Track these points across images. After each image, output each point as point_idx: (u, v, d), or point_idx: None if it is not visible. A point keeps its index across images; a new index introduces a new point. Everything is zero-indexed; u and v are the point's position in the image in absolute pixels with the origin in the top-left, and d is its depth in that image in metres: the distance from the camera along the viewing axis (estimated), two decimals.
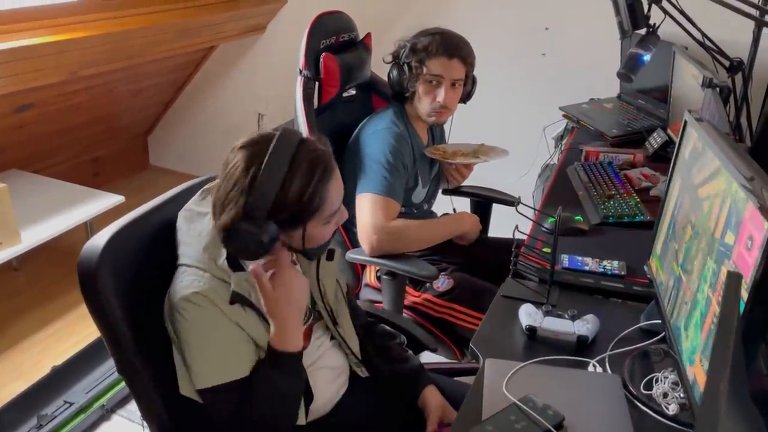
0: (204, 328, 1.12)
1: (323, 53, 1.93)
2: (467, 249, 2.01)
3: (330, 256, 1.32)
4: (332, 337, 1.36)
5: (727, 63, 2.08)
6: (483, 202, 2.24)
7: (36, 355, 2.47)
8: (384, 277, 1.78)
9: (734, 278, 0.74)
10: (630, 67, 2.02)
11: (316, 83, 1.94)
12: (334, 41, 2.01)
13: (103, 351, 2.36)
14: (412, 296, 1.86)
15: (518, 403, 1.11)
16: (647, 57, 2.01)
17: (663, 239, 1.35)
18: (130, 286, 1.16)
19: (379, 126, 1.88)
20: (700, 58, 2.09)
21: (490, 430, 1.06)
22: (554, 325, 1.32)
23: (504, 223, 2.48)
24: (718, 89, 1.63)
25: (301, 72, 1.93)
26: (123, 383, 2.21)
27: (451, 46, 1.84)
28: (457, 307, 1.82)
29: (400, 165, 1.82)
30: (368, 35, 2.13)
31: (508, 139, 2.48)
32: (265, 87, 3.74)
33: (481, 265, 2.00)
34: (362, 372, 1.39)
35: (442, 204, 2.20)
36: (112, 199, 2.85)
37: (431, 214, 2.09)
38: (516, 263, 1.55)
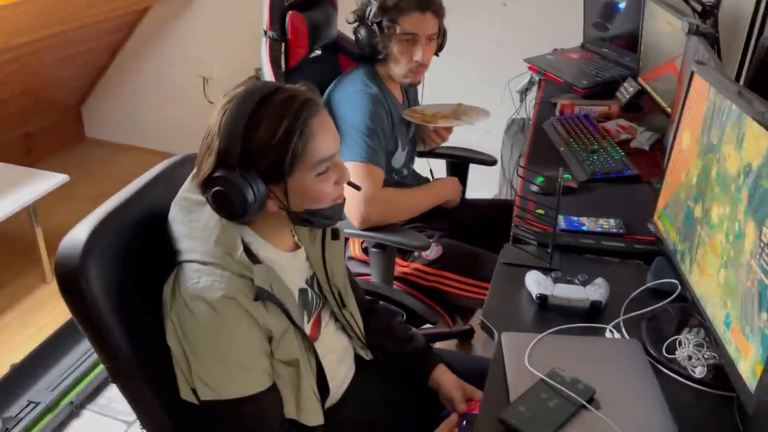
0: (227, 334, 1.02)
1: (289, 12, 1.78)
2: (450, 214, 1.95)
3: (335, 235, 1.23)
4: (336, 319, 1.28)
5: (699, 8, 2.05)
6: (460, 163, 2.17)
7: None
8: (373, 249, 1.70)
9: None
10: (606, 15, 1.97)
11: (283, 44, 1.80)
12: None
13: (65, 343, 2.24)
14: (400, 266, 1.79)
15: (547, 379, 1.07)
16: (623, 5, 1.96)
17: (672, 197, 1.31)
18: (119, 286, 1.04)
19: (352, 89, 1.78)
20: (671, 2, 2.05)
21: (523, 411, 1.02)
22: (566, 292, 1.28)
23: (479, 184, 2.45)
24: (704, 36, 1.59)
25: (265, 33, 1.79)
26: (90, 376, 2.10)
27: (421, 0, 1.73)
28: (447, 274, 1.77)
29: (379, 129, 1.73)
30: None
31: (470, 95, 2.40)
32: (207, 49, 3.53)
33: (465, 229, 1.95)
34: (367, 355, 1.32)
35: (417, 166, 2.13)
36: (55, 179, 2.63)
37: (412, 178, 2.01)
38: (515, 227, 1.49)
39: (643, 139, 1.98)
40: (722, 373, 1.07)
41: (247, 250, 1.06)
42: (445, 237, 1.87)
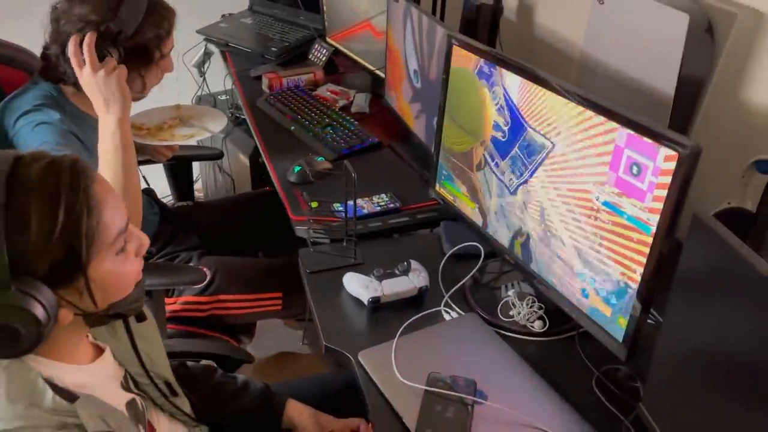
0: None
1: None
2: (195, 226, 1.72)
3: (141, 317, 0.97)
4: (162, 410, 1.03)
5: None
6: (182, 164, 1.91)
7: None
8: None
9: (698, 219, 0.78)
10: None
11: None
12: None
13: None
14: (167, 305, 1.53)
15: (430, 389, 1.04)
16: None
17: (455, 166, 1.34)
18: None
19: (29, 119, 1.34)
20: None
21: None
22: (394, 287, 1.25)
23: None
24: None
25: None
26: None
27: (170, 11, 1.45)
28: (222, 297, 1.58)
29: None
30: None
31: None
32: None
33: (216, 236, 1.75)
34: (201, 431, 1.11)
35: None
36: None
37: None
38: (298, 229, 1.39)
39: (360, 101, 2.00)
40: (553, 319, 1.19)
41: (55, 388, 0.77)
42: (204, 254, 1.64)
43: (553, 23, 1.61)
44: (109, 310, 0.82)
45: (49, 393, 0.75)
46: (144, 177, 1.84)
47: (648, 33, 1.15)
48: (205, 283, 1.54)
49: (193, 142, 1.66)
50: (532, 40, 1.70)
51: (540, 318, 1.20)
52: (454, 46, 1.26)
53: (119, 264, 0.82)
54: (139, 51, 1.35)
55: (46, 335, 0.75)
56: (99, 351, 0.92)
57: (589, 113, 0.97)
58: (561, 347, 1.17)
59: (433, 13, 1.99)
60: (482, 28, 1.57)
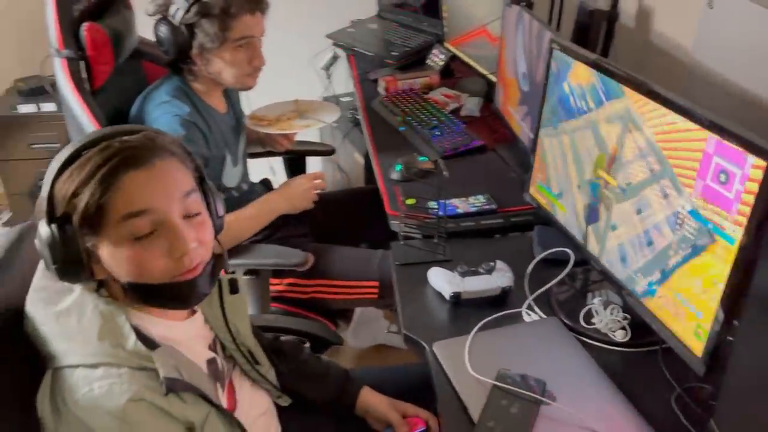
0: None
1: (84, 24, 1.49)
2: (307, 215, 1.83)
3: (234, 289, 1.07)
4: (248, 377, 1.13)
5: None
6: (298, 158, 2.05)
7: None
8: (244, 277, 1.54)
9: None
10: None
11: (83, 63, 1.51)
12: (87, 5, 1.56)
13: None
14: (273, 285, 1.65)
15: (499, 384, 1.06)
16: None
17: (549, 167, 1.34)
18: None
19: (161, 111, 1.54)
20: None
21: (492, 426, 1.00)
22: (477, 285, 1.27)
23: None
24: (524, 3, 1.65)
25: (58, 52, 1.48)
26: None
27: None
28: (324, 281, 1.68)
29: (195, 156, 1.51)
30: None
31: (275, 80, 2.27)
32: None
33: (326, 227, 1.86)
34: (284, 401, 1.19)
35: (257, 168, 1.97)
36: None
37: (253, 192, 1.84)
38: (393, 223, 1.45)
39: (471, 105, 2.03)
40: (637, 331, 1.16)
41: (140, 335, 0.88)
42: (311, 242, 1.76)
43: (668, 28, 1.56)
44: (132, 288, 0.88)
45: (132, 337, 0.86)
46: (272, 168, 2.00)
47: (757, 40, 1.09)
48: (308, 267, 1.65)
49: (308, 130, 1.77)
50: (648, 46, 1.65)
51: (623, 328, 1.17)
52: (554, 51, 1.27)
53: (135, 250, 0.86)
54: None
55: (83, 270, 0.86)
56: (193, 312, 1.03)
57: (676, 117, 0.95)
58: (642, 360, 1.14)
59: (549, 19, 1.98)
60: (595, 34, 1.55)
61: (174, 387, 0.86)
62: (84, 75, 1.50)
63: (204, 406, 0.91)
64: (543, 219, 1.42)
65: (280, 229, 1.74)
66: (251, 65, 1.58)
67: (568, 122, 1.25)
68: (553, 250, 1.35)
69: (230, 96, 1.77)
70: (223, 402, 1.01)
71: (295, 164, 2.05)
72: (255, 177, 1.93)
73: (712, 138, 0.89)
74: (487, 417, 1.01)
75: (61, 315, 0.87)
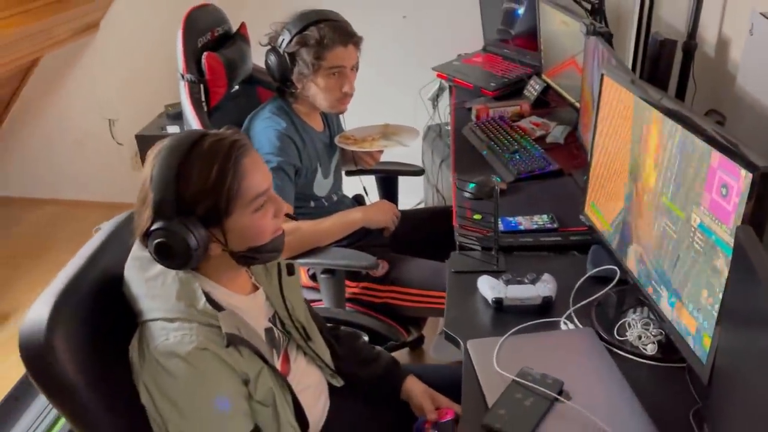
0: (208, 384, 1.02)
1: (204, 53, 1.78)
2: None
3: (291, 271, 1.25)
4: (304, 353, 1.30)
5: (588, 6, 2.20)
6: (389, 177, 2.23)
7: None
8: (322, 276, 1.72)
9: (742, 231, 0.79)
10: (507, 22, 2.07)
11: (201, 86, 1.79)
12: (210, 38, 1.86)
13: (6, 418, 2.13)
14: (350, 288, 1.82)
15: (517, 379, 1.14)
16: (521, 10, 2.07)
17: (601, 187, 1.40)
18: (87, 358, 1.02)
19: (262, 125, 1.79)
20: (562, 3, 2.19)
21: (503, 413, 1.08)
22: (519, 293, 1.35)
23: (405, 192, 2.51)
24: (602, 36, 1.71)
25: (183, 77, 1.77)
26: None
27: (342, 32, 1.76)
28: (396, 288, 1.82)
29: (286, 165, 1.74)
30: (243, 25, 2.00)
31: (384, 108, 2.47)
32: (110, 90, 3.43)
33: (404, 240, 2.00)
34: (338, 382, 1.34)
35: (352, 185, 2.17)
36: None
37: (343, 203, 2.04)
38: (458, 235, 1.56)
39: (557, 133, 2.10)
40: (669, 347, 1.18)
41: (209, 299, 1.07)
42: (389, 252, 1.91)
43: (740, 57, 1.56)
44: (248, 252, 1.10)
45: (203, 300, 1.05)
46: (364, 187, 2.19)
47: None
48: (382, 273, 1.80)
49: (384, 149, 1.95)
50: (725, 75, 1.65)
51: (653, 343, 1.21)
52: (604, 78, 1.34)
53: (255, 219, 1.09)
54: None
55: (195, 259, 1.05)
56: (255, 289, 1.22)
57: (687, 133, 1.00)
58: (669, 374, 1.17)
59: (635, 50, 2.02)
60: (666, 64, 1.59)
61: (233, 341, 1.04)
62: (202, 97, 1.78)
63: (258, 362, 1.09)
64: (599, 240, 1.47)
65: (361, 239, 1.91)
66: (341, 92, 1.78)
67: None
68: (602, 267, 1.40)
69: (328, 118, 1.99)
70: (277, 365, 1.18)
71: (386, 182, 2.22)
72: (350, 192, 2.13)
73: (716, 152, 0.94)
74: (500, 405, 1.09)
75: (150, 279, 1.09)
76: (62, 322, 0.99)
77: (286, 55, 1.75)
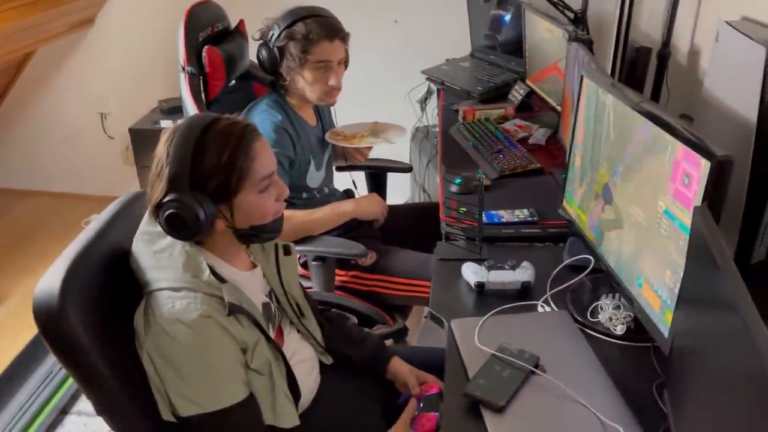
0: (209, 350, 1.09)
1: (204, 46, 1.85)
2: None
3: (287, 251, 1.33)
4: (297, 330, 1.37)
5: (571, 15, 2.31)
6: (378, 174, 2.31)
7: None
8: (313, 263, 1.80)
9: (699, 210, 0.88)
10: (494, 28, 2.17)
11: (201, 78, 1.87)
12: (211, 32, 1.94)
13: (1, 397, 2.17)
14: (339, 276, 1.90)
15: (496, 353, 1.22)
16: (508, 17, 2.17)
17: (579, 183, 1.50)
18: (95, 322, 1.09)
19: (257, 118, 1.86)
20: (547, 11, 2.30)
21: (482, 383, 1.16)
22: (499, 277, 1.44)
23: (393, 190, 2.60)
24: (583, 42, 1.82)
25: (183, 69, 1.85)
26: (34, 427, 2.07)
27: (329, 28, 1.84)
28: (384, 277, 1.90)
29: (281, 156, 1.81)
30: (241, 22, 2.08)
31: (375, 108, 2.56)
32: (103, 84, 3.49)
33: (392, 233, 2.09)
34: (327, 359, 1.42)
35: (341, 180, 2.25)
36: None
37: (334, 195, 2.12)
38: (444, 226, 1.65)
39: (539, 135, 2.20)
40: (638, 328, 1.28)
41: (213, 272, 1.15)
42: (379, 243, 1.99)
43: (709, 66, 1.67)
44: (250, 230, 1.19)
45: (207, 272, 1.13)
46: (353, 181, 2.27)
47: (736, 67, 1.21)
48: (370, 262, 1.88)
49: (371, 146, 2.03)
50: (696, 83, 1.76)
51: (623, 324, 1.30)
52: (583, 79, 1.44)
53: (260, 200, 1.18)
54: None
55: (203, 231, 1.12)
56: (254, 266, 1.30)
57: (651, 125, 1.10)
58: (636, 353, 1.26)
59: (615, 56, 2.13)
60: (641, 70, 1.69)
61: (234, 310, 1.12)
62: (201, 89, 1.86)
63: (256, 333, 1.17)
64: (576, 232, 1.57)
65: (352, 230, 1.99)
66: (328, 85, 1.86)
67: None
68: (578, 257, 1.50)
69: (321, 112, 2.08)
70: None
71: (375, 178, 2.31)
72: (340, 187, 2.21)
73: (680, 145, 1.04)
74: (480, 376, 1.18)
75: (157, 252, 1.16)
76: (73, 287, 1.06)
77: (275, 48, 1.83)
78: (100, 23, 3.36)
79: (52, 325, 1.03)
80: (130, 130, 3.23)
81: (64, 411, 2.18)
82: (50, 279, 1.06)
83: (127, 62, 3.41)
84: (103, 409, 1.10)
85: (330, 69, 1.86)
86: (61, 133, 3.63)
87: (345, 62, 1.93)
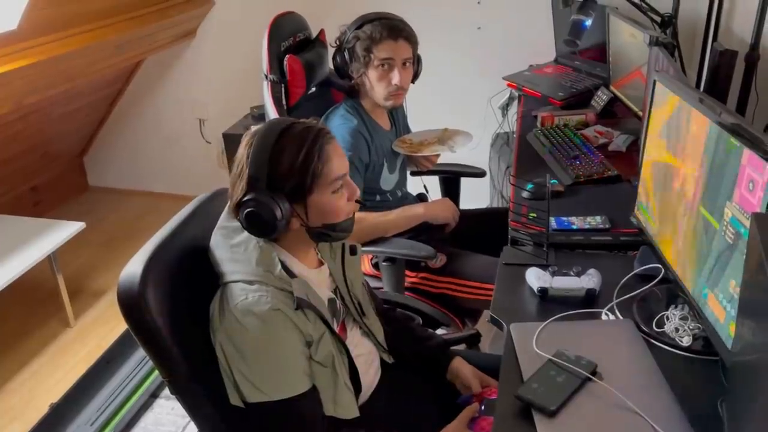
0: (276, 341, 1.16)
1: (286, 56, 1.95)
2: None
3: (353, 251, 1.39)
4: (359, 327, 1.42)
5: (658, 18, 2.24)
6: (452, 178, 2.33)
7: (26, 395, 2.41)
8: (383, 263, 1.85)
9: (757, 217, 0.86)
10: (574, 33, 2.15)
11: (282, 86, 1.97)
12: (293, 42, 2.04)
13: (97, 381, 2.37)
14: (409, 277, 1.94)
15: (553, 358, 1.22)
16: (589, 22, 2.14)
17: (648, 191, 1.47)
18: (172, 308, 1.18)
19: (334, 123, 1.94)
20: (632, 15, 2.24)
21: (536, 387, 1.16)
22: (563, 283, 1.43)
23: (472, 196, 2.61)
24: (664, 46, 1.77)
25: (266, 76, 1.95)
26: (126, 407, 2.24)
27: (393, 28, 1.89)
28: (454, 280, 1.92)
29: (356, 159, 1.88)
30: (322, 32, 2.17)
31: (457, 115, 2.58)
32: (202, 91, 3.70)
33: (464, 237, 2.10)
34: (389, 358, 1.46)
35: (414, 185, 2.29)
36: (72, 227, 2.77)
37: (406, 199, 2.16)
38: (512, 231, 1.65)
39: (619, 141, 2.15)
40: (706, 341, 1.23)
41: (284, 267, 1.22)
42: (445, 246, 2.02)
43: None
44: (323, 228, 1.25)
45: (279, 267, 1.20)
46: (425, 186, 2.31)
47: None
48: (440, 264, 1.91)
49: (430, 153, 2.06)
50: None
51: (690, 335, 1.26)
52: (656, 83, 1.41)
53: (333, 200, 1.24)
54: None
55: (279, 229, 1.19)
56: (321, 264, 1.36)
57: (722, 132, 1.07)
58: (703, 365, 1.22)
59: (701, 61, 2.04)
60: (725, 75, 1.63)
61: (302, 304, 1.19)
62: (282, 96, 1.95)
63: (321, 327, 1.23)
64: (648, 240, 1.53)
65: (422, 234, 2.03)
66: (392, 84, 1.91)
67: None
68: (647, 266, 1.46)
69: (396, 117, 2.13)
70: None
71: (448, 183, 2.34)
72: (413, 191, 2.25)
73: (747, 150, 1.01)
74: (534, 380, 1.18)
75: (233, 246, 1.24)
76: (152, 274, 1.16)
77: (346, 51, 1.90)
78: (201, 35, 3.58)
79: (133, 306, 1.13)
80: (224, 135, 3.42)
81: (154, 395, 2.35)
82: (133, 266, 1.17)
83: (223, 71, 3.61)
84: (176, 389, 1.19)
85: (393, 68, 1.90)
86: (164, 137, 3.88)
87: (412, 63, 1.96)
